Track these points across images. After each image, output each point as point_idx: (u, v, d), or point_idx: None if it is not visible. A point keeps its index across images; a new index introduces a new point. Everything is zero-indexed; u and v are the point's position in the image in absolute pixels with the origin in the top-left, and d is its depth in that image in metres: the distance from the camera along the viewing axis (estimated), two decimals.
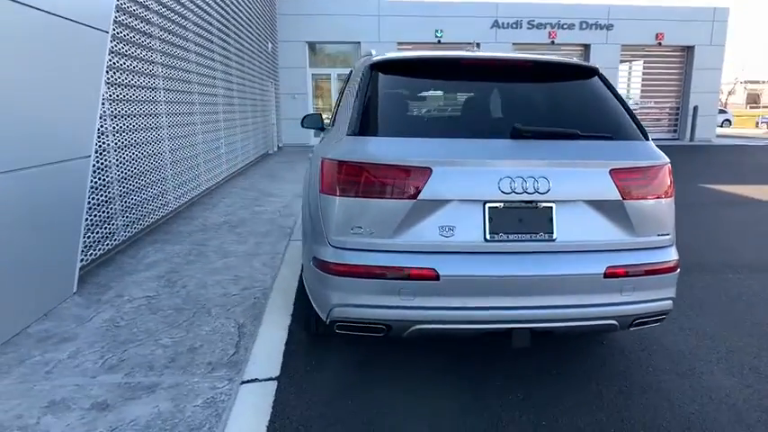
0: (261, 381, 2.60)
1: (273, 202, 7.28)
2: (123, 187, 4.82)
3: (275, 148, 15.76)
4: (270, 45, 15.04)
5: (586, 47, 18.46)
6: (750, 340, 3.16)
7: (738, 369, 2.80)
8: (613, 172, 2.30)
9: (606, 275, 2.25)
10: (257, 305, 3.51)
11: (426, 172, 2.21)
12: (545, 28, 18.07)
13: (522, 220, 2.24)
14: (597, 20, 18.23)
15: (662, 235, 2.39)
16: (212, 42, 8.28)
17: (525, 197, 2.23)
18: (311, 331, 3.00)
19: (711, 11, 18.84)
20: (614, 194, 2.30)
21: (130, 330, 3.09)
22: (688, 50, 19.27)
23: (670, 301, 2.41)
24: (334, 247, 2.31)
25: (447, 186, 2.21)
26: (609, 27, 18.30)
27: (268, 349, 2.93)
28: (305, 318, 3.09)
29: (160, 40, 5.90)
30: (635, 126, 2.48)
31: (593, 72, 2.63)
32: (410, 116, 2.58)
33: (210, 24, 8.17)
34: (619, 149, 2.38)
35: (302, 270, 3.29)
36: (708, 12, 18.83)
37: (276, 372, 2.69)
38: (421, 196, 2.20)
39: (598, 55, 18.12)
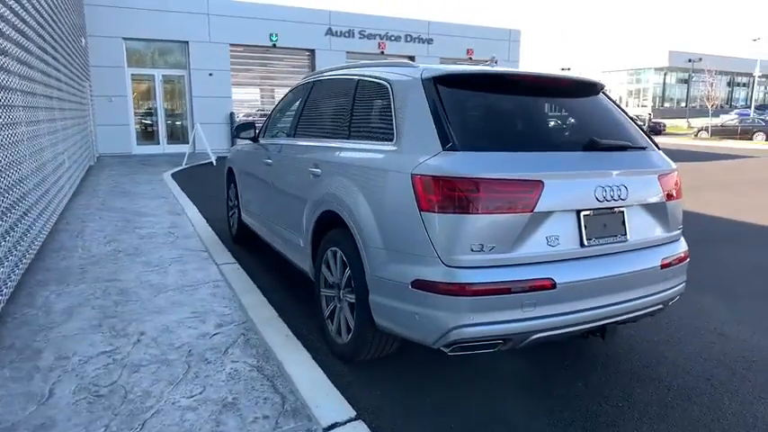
0: (343, 424, 2.29)
1: (152, 222, 6.35)
2: None
3: (95, 160, 13.68)
4: (83, 40, 12.99)
5: (411, 58, 19.84)
6: None
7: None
8: (660, 177, 2.61)
9: (662, 267, 2.55)
10: (252, 342, 3.06)
11: (540, 185, 2.22)
12: (375, 39, 18.95)
13: (606, 225, 2.40)
14: (420, 34, 19.77)
15: (679, 228, 2.78)
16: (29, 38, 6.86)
17: (610, 204, 2.40)
18: (366, 356, 2.76)
19: (508, 32, 21.88)
20: (661, 197, 2.60)
21: (125, 398, 2.44)
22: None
23: (685, 283, 2.81)
24: (449, 266, 2.17)
25: (554, 198, 2.25)
26: (429, 41, 19.99)
27: (315, 387, 2.58)
28: (350, 349, 2.81)
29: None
30: (648, 137, 2.83)
31: (602, 87, 2.92)
32: (501, 130, 2.53)
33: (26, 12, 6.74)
34: (654, 158, 2.70)
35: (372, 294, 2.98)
36: (505, 32, 21.83)
37: (351, 411, 2.39)
38: (537, 209, 2.21)
39: None
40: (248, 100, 18.57)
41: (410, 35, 19.61)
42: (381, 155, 2.58)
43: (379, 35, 19.00)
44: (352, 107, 3.08)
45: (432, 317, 2.21)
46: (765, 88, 67.02)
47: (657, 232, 2.63)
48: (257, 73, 18.23)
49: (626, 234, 2.47)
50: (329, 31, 18.19)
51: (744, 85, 65.82)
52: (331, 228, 2.97)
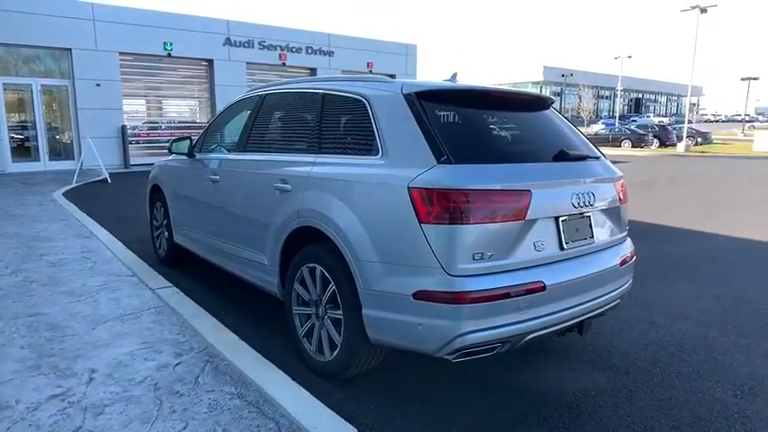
0: None
1: (59, 247, 5.74)
2: None
3: None
4: None
5: (313, 70, 19.83)
6: None
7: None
8: (615, 184, 2.88)
9: (620, 264, 2.82)
10: (222, 368, 2.90)
11: (529, 194, 2.36)
12: (276, 50, 18.67)
13: (578, 229, 2.61)
14: (321, 46, 19.80)
15: (627, 229, 3.09)
16: None
17: (582, 210, 2.61)
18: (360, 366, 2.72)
19: (405, 47, 22.64)
20: (617, 201, 2.88)
21: None
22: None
23: (632, 279, 3.13)
24: (452, 275, 2.23)
25: (539, 206, 2.40)
26: (330, 54, 20.10)
27: (306, 408, 2.49)
28: (336, 365, 2.75)
29: None
30: (596, 147, 3.12)
31: (552, 102, 3.17)
32: (485, 142, 2.63)
33: None
34: (608, 166, 2.98)
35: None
36: (402, 47, 22.57)
37: (352, 429, 2.35)
38: (527, 216, 2.34)
39: None
40: (141, 112, 17.39)
41: (311, 47, 19.58)
42: (367, 169, 2.59)
43: (280, 46, 18.75)
44: (319, 121, 3.05)
45: (436, 326, 2.26)
46: (624, 101, 75.62)
47: (614, 233, 2.90)
48: (150, 83, 17.14)
49: (593, 236, 2.71)
50: (228, 41, 17.61)
51: (607, 97, 73.86)
52: (305, 244, 2.92)
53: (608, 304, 2.78)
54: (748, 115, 59.90)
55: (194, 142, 4.44)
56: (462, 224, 2.23)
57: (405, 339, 2.40)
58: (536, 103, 3.05)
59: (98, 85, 15.10)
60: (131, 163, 15.80)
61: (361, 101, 2.79)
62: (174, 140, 4.41)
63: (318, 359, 2.85)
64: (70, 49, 14.69)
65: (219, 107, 17.33)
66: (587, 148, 2.98)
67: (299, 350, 3.02)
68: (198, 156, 4.33)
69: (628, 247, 3.02)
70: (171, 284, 4.43)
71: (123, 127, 15.73)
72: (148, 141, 16.86)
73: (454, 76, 3.21)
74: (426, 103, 2.56)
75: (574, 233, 2.60)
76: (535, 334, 2.40)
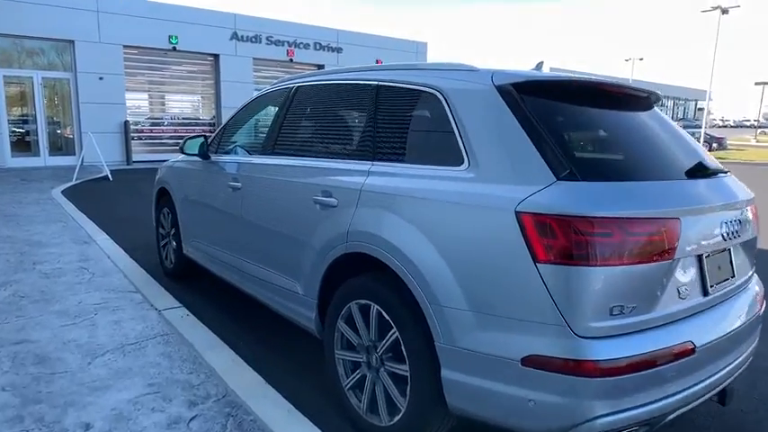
0: None
1: (55, 254, 5.18)
2: None
3: None
4: None
5: (320, 67, 19.23)
6: None
7: None
8: (750, 207, 2.29)
9: (760, 307, 2.26)
10: (247, 427, 2.33)
11: (678, 223, 1.79)
12: (283, 45, 18.10)
13: (720, 267, 2.03)
14: (329, 42, 19.23)
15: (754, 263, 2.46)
16: None
17: (727, 243, 2.04)
18: None
19: (415, 44, 22.05)
20: (755, 228, 2.30)
21: None
22: None
23: None
24: (581, 336, 1.66)
25: (688, 238, 1.84)
26: (339, 50, 19.52)
27: None
28: None
29: None
30: None
31: (660, 98, 2.54)
32: (609, 152, 2.05)
33: None
34: (739, 184, 2.35)
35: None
36: (412, 45, 21.97)
37: None
38: (677, 254, 1.78)
39: None
40: (144, 107, 16.81)
41: (319, 43, 18.99)
42: (449, 183, 2.02)
43: (288, 42, 18.16)
44: (374, 120, 2.48)
45: (555, 406, 1.69)
46: None
47: (748, 269, 2.31)
48: (154, 78, 16.56)
49: (734, 274, 2.13)
50: (234, 36, 17.02)
51: None
52: (355, 274, 2.35)
53: (747, 360, 2.19)
54: (757, 121, 59.11)
55: (209, 141, 3.87)
56: (599, 265, 1.65)
57: (505, 416, 1.82)
58: (647, 100, 2.45)
59: (101, 78, 14.52)
60: (134, 159, 15.23)
61: (434, 95, 2.22)
62: (187, 139, 3.84)
63: (371, 422, 2.28)
64: (73, 41, 14.11)
65: (225, 104, 16.81)
66: (711, 158, 2.38)
67: (343, 405, 2.45)
68: (214, 157, 3.76)
69: (759, 286, 2.42)
70: (179, 304, 3.86)
71: (126, 122, 15.16)
72: (151, 137, 16.33)
73: (540, 65, 2.59)
74: (529, 98, 1.98)
75: (716, 272, 2.01)
76: (680, 411, 1.82)
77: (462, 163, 2.01)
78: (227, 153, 3.74)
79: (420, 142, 2.32)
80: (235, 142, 3.77)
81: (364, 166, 2.42)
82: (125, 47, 15.00)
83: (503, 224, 1.78)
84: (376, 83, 2.54)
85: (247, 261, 3.23)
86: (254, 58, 17.57)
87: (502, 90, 2.00)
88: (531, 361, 1.72)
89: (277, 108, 3.25)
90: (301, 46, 18.59)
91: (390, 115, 2.44)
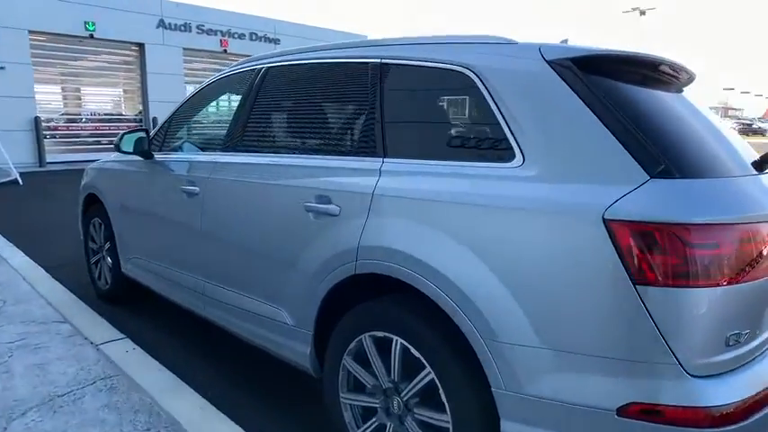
0: None
1: None
2: None
3: None
4: None
5: None
6: None
7: None
8: None
9: None
10: None
11: None
12: (216, 35, 16.99)
13: None
14: (266, 33, 18.28)
15: None
16: None
17: None
18: None
19: (356, 37, 21.50)
20: None
21: None
22: None
23: None
24: (695, 376, 1.30)
25: None
26: (276, 41, 18.61)
27: None
28: None
29: None
30: None
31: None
32: (689, 142, 1.64)
33: None
34: None
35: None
36: (356, 38, 21.41)
37: None
38: None
39: None
40: (58, 102, 15.19)
41: (255, 33, 17.99)
42: (502, 184, 1.56)
43: (221, 31, 17.04)
44: (379, 108, 1.96)
45: None
46: None
47: None
48: (69, 69, 15.00)
49: None
50: (161, 24, 15.72)
51: None
52: (366, 298, 1.87)
53: None
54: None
55: (152, 137, 3.19)
56: (718, 284, 1.29)
57: None
58: (689, 81, 2.10)
59: (2, 68, 12.90)
60: (48, 161, 13.69)
61: (462, 75, 1.74)
62: (124, 134, 3.14)
63: None
64: None
65: (152, 98, 15.52)
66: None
67: None
68: (158, 156, 3.09)
69: None
70: (122, 335, 3.17)
71: (36, 119, 13.58)
72: (67, 136, 14.77)
73: (565, 42, 2.19)
74: (595, 77, 1.56)
75: None
76: None
77: (514, 158, 1.56)
78: (177, 150, 3.09)
79: (447, 134, 1.85)
80: (185, 137, 3.13)
81: (373, 163, 1.91)
82: (31, 32, 13.41)
83: (587, 236, 1.37)
84: (378, 61, 2.03)
85: (211, 282, 2.63)
86: (184, 49, 16.35)
87: (558, 67, 1.58)
88: (630, 411, 1.33)
89: (242, 95, 2.65)
90: (236, 36, 17.54)
91: (402, 101, 1.94)
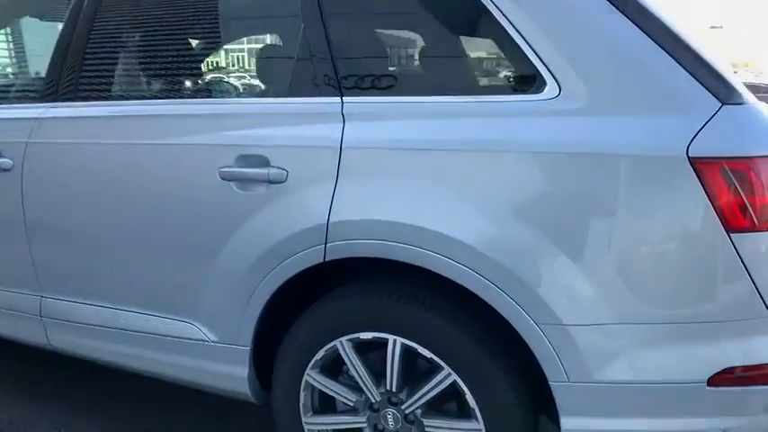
0: None
1: None
2: None
3: None
4: None
5: None
6: None
7: None
8: None
9: None
10: None
11: None
12: None
13: None
14: None
15: None
16: None
17: None
18: None
19: None
20: None
21: None
22: None
23: None
24: None
25: None
26: None
27: None
28: None
29: None
30: None
31: None
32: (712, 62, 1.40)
33: None
34: None
35: None
36: None
37: None
38: None
39: None
40: None
41: None
42: (539, 121, 1.19)
43: None
44: (320, 22, 1.40)
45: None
46: None
47: None
48: None
49: None
50: None
51: None
52: (329, 287, 1.42)
53: None
54: None
55: None
56: None
57: None
58: None
59: None
60: None
61: None
62: None
63: None
64: None
65: None
66: None
67: None
68: None
69: None
70: None
71: None
72: None
73: None
74: None
75: None
76: None
77: (544, 87, 1.20)
78: None
79: (438, 59, 1.42)
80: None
81: (327, 105, 1.37)
82: None
83: (668, 180, 1.11)
84: None
85: (51, 297, 1.80)
86: None
87: None
88: (722, 379, 1.15)
89: (71, 8, 1.76)
90: None
91: (356, 11, 1.42)
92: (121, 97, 1.71)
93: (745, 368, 1.13)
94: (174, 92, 1.71)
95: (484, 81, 1.33)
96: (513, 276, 1.17)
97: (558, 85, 1.19)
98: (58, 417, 2.00)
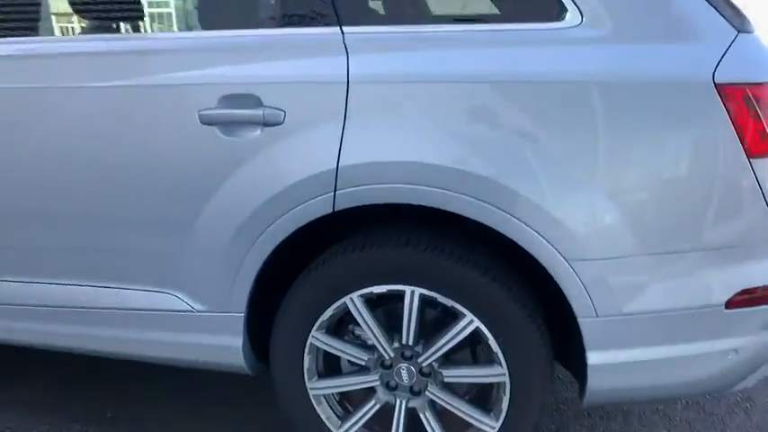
0: None
1: None
2: None
3: None
4: None
5: None
6: None
7: None
8: None
9: None
10: None
11: None
12: None
13: None
14: None
15: None
16: None
17: None
18: None
19: None
20: None
21: None
22: None
23: None
24: None
25: None
26: None
27: None
28: None
29: None
30: None
31: None
32: None
33: None
34: None
35: None
36: None
37: None
38: None
39: None
40: None
41: None
42: (562, 49, 1.14)
43: None
44: None
45: None
46: None
47: None
48: None
49: None
50: None
51: None
52: (330, 241, 1.31)
53: None
54: None
55: None
56: None
57: (683, 385, 1.28)
58: None
59: None
60: None
61: None
62: None
63: None
64: None
65: None
66: None
67: None
68: None
69: None
70: None
71: None
72: None
73: None
74: None
75: None
76: None
77: (565, 14, 1.14)
78: None
79: None
80: None
81: (325, 35, 1.22)
82: None
83: (694, 107, 1.10)
84: None
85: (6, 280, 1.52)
86: None
87: None
88: (740, 301, 1.19)
89: None
90: None
91: None
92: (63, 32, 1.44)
93: (766, 288, 1.18)
94: (135, 26, 1.47)
95: (500, 8, 1.24)
96: (542, 212, 1.13)
97: (580, 12, 1.14)
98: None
